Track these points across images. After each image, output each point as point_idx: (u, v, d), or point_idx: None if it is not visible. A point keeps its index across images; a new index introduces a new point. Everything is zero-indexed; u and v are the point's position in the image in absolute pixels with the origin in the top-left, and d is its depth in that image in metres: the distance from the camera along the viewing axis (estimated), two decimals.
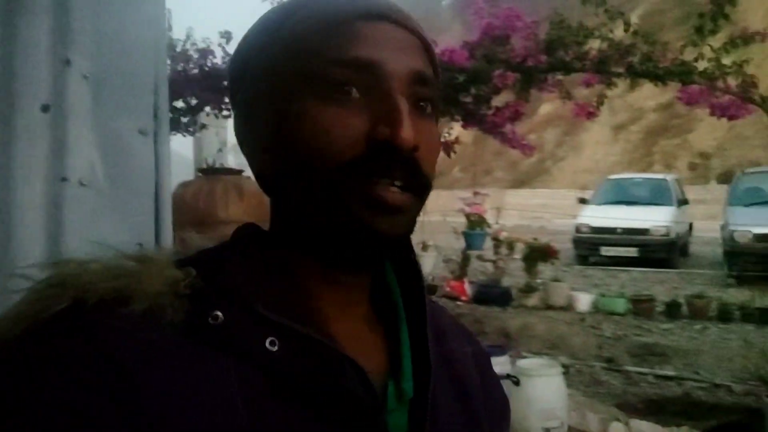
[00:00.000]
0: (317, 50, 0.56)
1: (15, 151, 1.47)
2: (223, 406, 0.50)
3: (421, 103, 0.59)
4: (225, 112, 6.79)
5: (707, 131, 24.69)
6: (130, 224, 1.72)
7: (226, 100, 6.40)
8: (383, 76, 0.56)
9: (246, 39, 0.63)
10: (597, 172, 26.69)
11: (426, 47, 0.61)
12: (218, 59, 6.20)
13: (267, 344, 0.53)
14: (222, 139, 10.12)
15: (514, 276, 8.90)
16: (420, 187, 0.58)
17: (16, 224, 1.47)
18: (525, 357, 5.61)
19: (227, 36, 6.31)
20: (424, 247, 7.99)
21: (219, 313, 0.52)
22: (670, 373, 5.81)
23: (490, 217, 8.10)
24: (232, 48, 6.42)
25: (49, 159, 1.52)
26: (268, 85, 0.59)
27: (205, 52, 6.30)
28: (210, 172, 7.38)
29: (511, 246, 7.88)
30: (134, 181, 1.73)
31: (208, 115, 6.96)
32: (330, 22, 0.57)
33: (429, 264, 7.90)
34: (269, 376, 0.52)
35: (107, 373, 0.47)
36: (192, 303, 0.53)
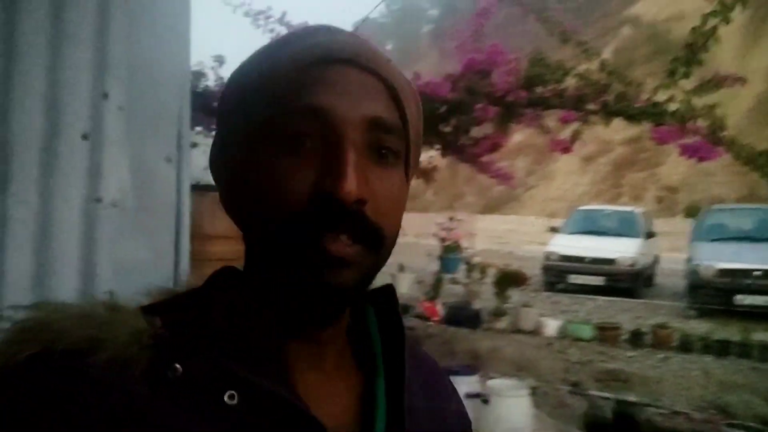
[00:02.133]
0: (275, 99, 0.55)
1: (57, 174, 1.62)
2: None
3: (383, 151, 0.56)
4: (214, 132, 6.92)
5: (673, 166, 25.41)
6: (151, 243, 1.87)
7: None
8: (334, 124, 0.54)
9: (231, 76, 0.62)
10: (565, 201, 27.27)
11: (392, 93, 0.58)
12: (210, 82, 6.38)
13: (226, 398, 0.52)
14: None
15: (484, 299, 9.12)
16: (370, 239, 0.55)
17: (56, 237, 1.61)
18: (494, 378, 5.80)
19: (220, 60, 6.50)
20: (401, 269, 8.16)
21: (178, 366, 0.52)
22: (632, 398, 6.03)
23: (464, 242, 8.32)
24: (224, 71, 6.64)
25: (86, 181, 1.67)
26: (235, 130, 0.59)
27: (198, 75, 6.46)
28: (198, 189, 7.49)
29: (483, 270, 8.09)
30: (158, 204, 1.89)
31: (197, 134, 7.10)
32: (289, 69, 0.56)
33: (405, 285, 8.08)
34: (230, 429, 0.52)
35: (66, 419, 0.48)
36: (155, 354, 0.53)
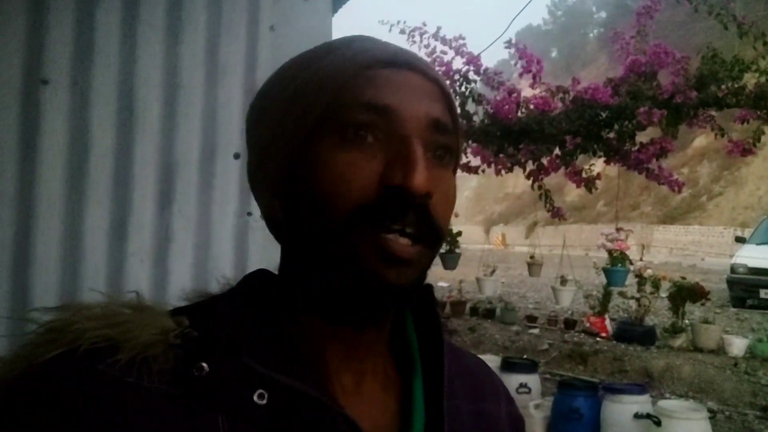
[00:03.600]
0: (335, 95, 0.55)
1: (214, 191, 1.80)
2: None
3: (439, 152, 0.58)
4: None
5: None
6: None
7: None
8: (400, 121, 0.55)
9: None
10: (759, 209, 24.60)
11: (446, 96, 0.60)
12: None
13: (255, 397, 0.52)
14: None
15: (658, 315, 8.51)
16: (431, 237, 0.56)
17: (213, 247, 1.79)
18: (667, 398, 5.40)
19: None
20: (563, 282, 7.86)
21: (204, 365, 0.52)
22: None
23: (634, 254, 7.83)
24: None
25: (238, 197, 1.84)
26: (285, 128, 0.58)
27: None
28: None
29: (656, 284, 7.56)
30: None
31: None
32: (349, 68, 0.56)
33: (567, 299, 7.77)
34: (259, 430, 0.51)
35: (91, 420, 0.48)
36: (181, 353, 0.52)
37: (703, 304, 8.37)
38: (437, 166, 0.57)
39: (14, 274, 1.66)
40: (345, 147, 0.54)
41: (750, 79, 5.14)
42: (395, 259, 0.53)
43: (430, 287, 0.65)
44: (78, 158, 1.71)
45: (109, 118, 1.74)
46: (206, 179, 1.80)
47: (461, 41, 6.20)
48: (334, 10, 4.65)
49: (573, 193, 29.46)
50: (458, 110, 0.66)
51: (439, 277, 10.41)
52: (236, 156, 1.84)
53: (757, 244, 11.51)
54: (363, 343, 0.60)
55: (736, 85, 5.13)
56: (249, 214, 1.84)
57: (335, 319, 0.58)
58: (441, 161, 0.58)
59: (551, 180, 6.66)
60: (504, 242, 32.92)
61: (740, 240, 12.27)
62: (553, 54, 61.31)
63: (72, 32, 1.72)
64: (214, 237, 1.79)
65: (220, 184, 1.81)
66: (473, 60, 6.12)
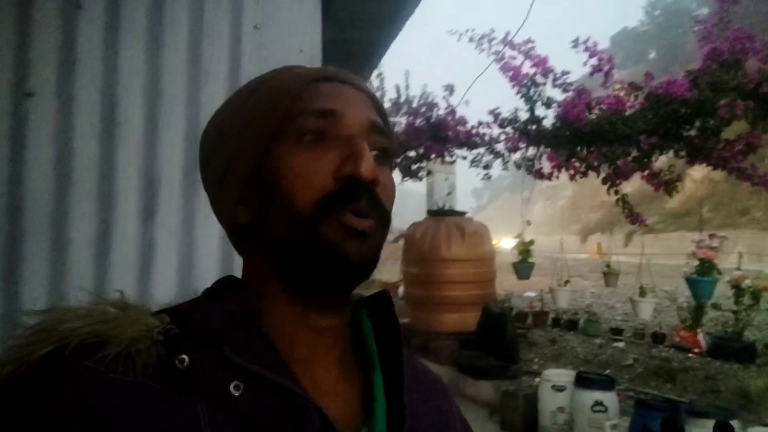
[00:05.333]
0: (289, 105, 0.64)
1: (198, 203, 1.72)
2: None
3: (378, 151, 0.66)
4: (448, 158, 7.15)
5: None
6: None
7: (449, 147, 6.77)
8: (346, 124, 0.64)
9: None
10: None
11: (376, 104, 0.70)
12: (441, 110, 6.57)
13: (231, 388, 0.56)
14: (451, 183, 10.60)
15: (762, 330, 7.77)
16: (382, 215, 0.64)
17: (198, 260, 1.72)
18: (764, 426, 4.86)
19: (450, 89, 6.64)
20: (642, 293, 7.31)
21: (185, 357, 0.56)
22: None
23: (729, 262, 7.18)
24: (453, 99, 6.80)
25: None
26: (247, 137, 0.65)
27: (431, 106, 6.68)
28: (437, 214, 7.78)
29: (756, 296, 6.90)
30: None
31: (434, 162, 7.35)
32: (298, 82, 0.65)
33: (647, 311, 7.20)
34: (238, 419, 0.55)
35: (80, 414, 0.51)
36: (164, 348, 0.57)
37: None
38: (378, 163, 0.65)
39: (2, 286, 1.65)
40: (302, 149, 0.63)
41: None
42: (355, 232, 0.61)
43: (386, 292, 0.73)
44: (63, 169, 1.69)
45: (92, 129, 1.71)
46: (189, 191, 1.73)
47: (530, 44, 5.96)
48: (399, 24, 4.59)
49: (675, 200, 27.88)
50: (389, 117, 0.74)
51: (525, 287, 10.06)
52: None
53: None
54: (330, 330, 0.66)
55: None
56: None
57: (303, 301, 0.64)
58: (380, 159, 0.66)
59: (646, 187, 6.22)
60: (600, 251, 31.62)
61: None
62: (651, 55, 58.72)
63: (56, 44, 1.70)
64: (198, 250, 1.72)
65: (204, 196, 1.73)
66: (540, 62, 5.85)
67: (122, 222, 1.69)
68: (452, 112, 6.76)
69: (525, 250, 6.58)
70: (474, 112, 6.72)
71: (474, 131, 6.52)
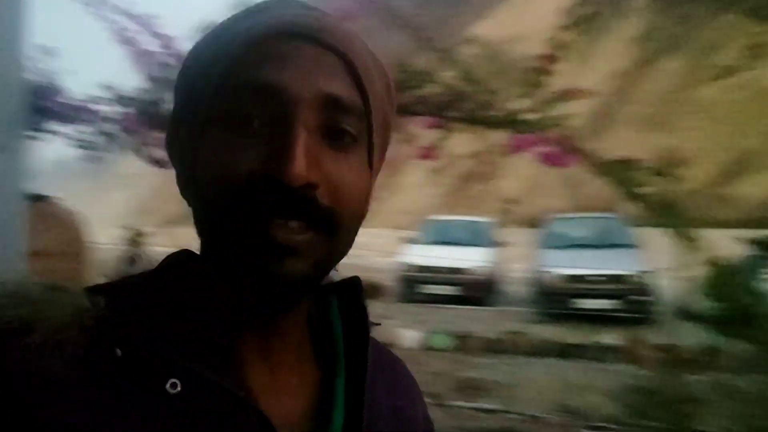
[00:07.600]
0: (222, 77, 0.52)
1: None
2: None
3: (335, 134, 0.54)
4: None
5: (512, 180, 26.95)
6: None
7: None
8: (284, 103, 0.51)
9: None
10: (415, 213, 27.94)
11: (352, 71, 0.55)
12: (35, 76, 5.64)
13: (168, 386, 0.50)
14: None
15: None
16: (323, 224, 0.53)
17: None
18: None
19: (49, 52, 5.73)
20: None
21: (118, 350, 0.50)
22: (489, 406, 6.08)
23: None
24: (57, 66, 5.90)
25: None
26: (186, 106, 0.56)
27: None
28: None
29: None
30: None
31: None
32: (242, 44, 0.53)
33: None
34: (172, 419, 0.50)
35: (1, 404, 0.46)
36: (95, 336, 0.51)
37: (379, 300, 8.96)
38: (333, 150, 0.54)
39: None
40: (231, 134, 0.52)
41: (432, 89, 5.57)
42: (280, 247, 0.51)
43: (357, 279, 0.65)
44: None
45: None
46: None
47: (155, 19, 5.57)
48: None
49: None
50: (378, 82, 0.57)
51: None
52: None
53: (422, 244, 12.83)
54: (276, 332, 0.59)
55: (420, 94, 5.50)
56: None
57: (242, 308, 0.56)
58: (341, 143, 0.54)
59: None
60: None
61: (407, 241, 13.49)
62: None
63: None
64: None
65: None
66: (167, 42, 5.53)
67: None
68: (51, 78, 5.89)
69: None
70: (85, 86, 6.00)
71: (80, 105, 5.81)
